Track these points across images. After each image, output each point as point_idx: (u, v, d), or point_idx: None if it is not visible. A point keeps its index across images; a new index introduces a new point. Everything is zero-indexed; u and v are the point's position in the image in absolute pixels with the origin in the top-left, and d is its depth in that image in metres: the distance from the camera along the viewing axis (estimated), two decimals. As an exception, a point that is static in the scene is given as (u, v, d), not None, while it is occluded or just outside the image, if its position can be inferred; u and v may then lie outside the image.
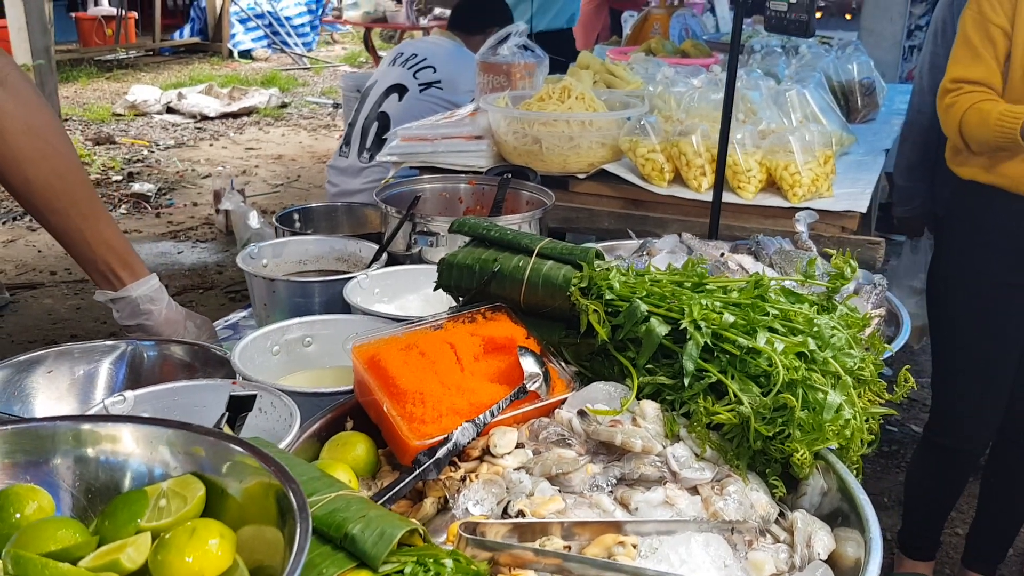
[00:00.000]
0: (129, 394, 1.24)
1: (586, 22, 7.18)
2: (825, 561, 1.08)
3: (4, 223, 6.25)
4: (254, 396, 1.11)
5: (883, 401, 1.30)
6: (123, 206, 6.74)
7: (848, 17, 7.38)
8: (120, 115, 9.35)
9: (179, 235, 6.25)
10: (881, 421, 1.33)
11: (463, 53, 4.24)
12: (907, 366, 1.35)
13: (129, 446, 0.86)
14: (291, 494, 0.76)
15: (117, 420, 0.88)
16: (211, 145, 8.59)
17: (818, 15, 4.74)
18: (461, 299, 1.48)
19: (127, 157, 7.95)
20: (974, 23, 2.50)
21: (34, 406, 1.37)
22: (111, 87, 10.72)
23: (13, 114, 1.49)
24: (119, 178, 7.33)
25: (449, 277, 1.47)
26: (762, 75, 3.40)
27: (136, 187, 7.09)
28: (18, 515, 0.82)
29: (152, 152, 8.20)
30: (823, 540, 1.10)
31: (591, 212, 2.84)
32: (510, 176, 2.09)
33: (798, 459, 1.13)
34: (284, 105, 10.18)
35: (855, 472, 1.20)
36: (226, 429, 1.10)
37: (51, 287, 5.29)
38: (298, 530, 0.72)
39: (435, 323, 1.37)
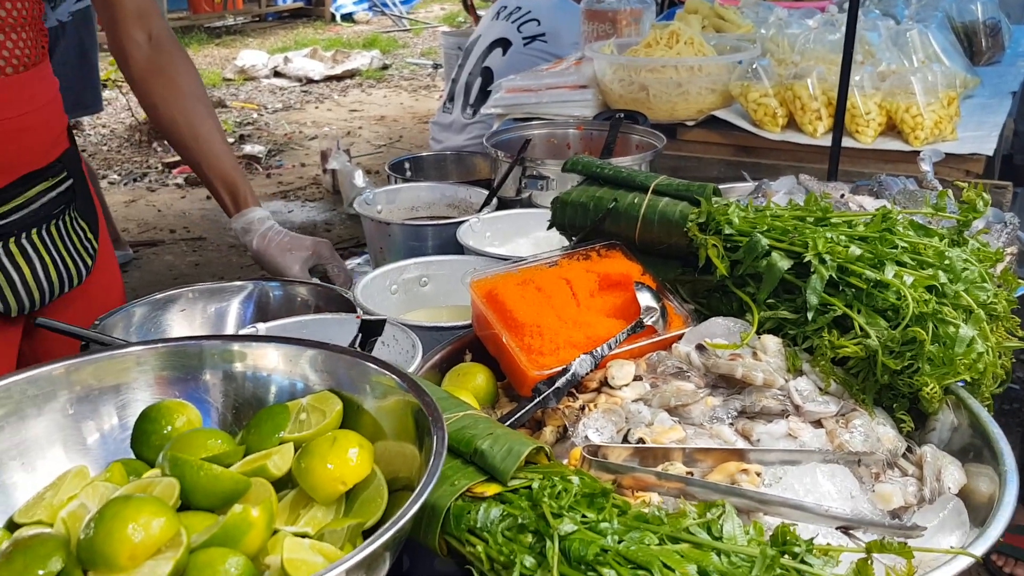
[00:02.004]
0: (261, 326, 1.29)
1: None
2: (956, 496, 1.05)
3: (126, 184, 6.56)
4: (383, 321, 1.15)
5: (1018, 337, 1.25)
6: (235, 167, 6.98)
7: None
8: (230, 80, 9.65)
9: (288, 195, 6.44)
10: (1014, 360, 1.28)
11: (567, 4, 4.19)
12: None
13: (272, 363, 0.90)
14: (426, 409, 0.79)
15: (261, 339, 0.93)
16: (316, 107, 8.78)
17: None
18: (575, 238, 1.48)
19: (238, 120, 8.21)
20: None
21: (172, 339, 1.45)
22: (220, 53, 11.06)
23: (148, 55, 1.77)
24: (231, 140, 7.59)
25: (563, 215, 1.47)
26: (880, 15, 3.25)
27: (247, 149, 7.33)
28: (169, 427, 0.88)
29: (261, 115, 8.45)
30: (954, 474, 1.07)
31: (700, 160, 2.79)
32: (622, 117, 2.07)
33: (927, 393, 1.10)
34: (385, 67, 10.30)
35: (990, 406, 1.16)
36: (359, 352, 1.14)
37: (171, 244, 5.54)
38: (435, 440, 0.75)
39: (550, 260, 1.38)
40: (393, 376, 0.85)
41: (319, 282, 1.63)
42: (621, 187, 1.46)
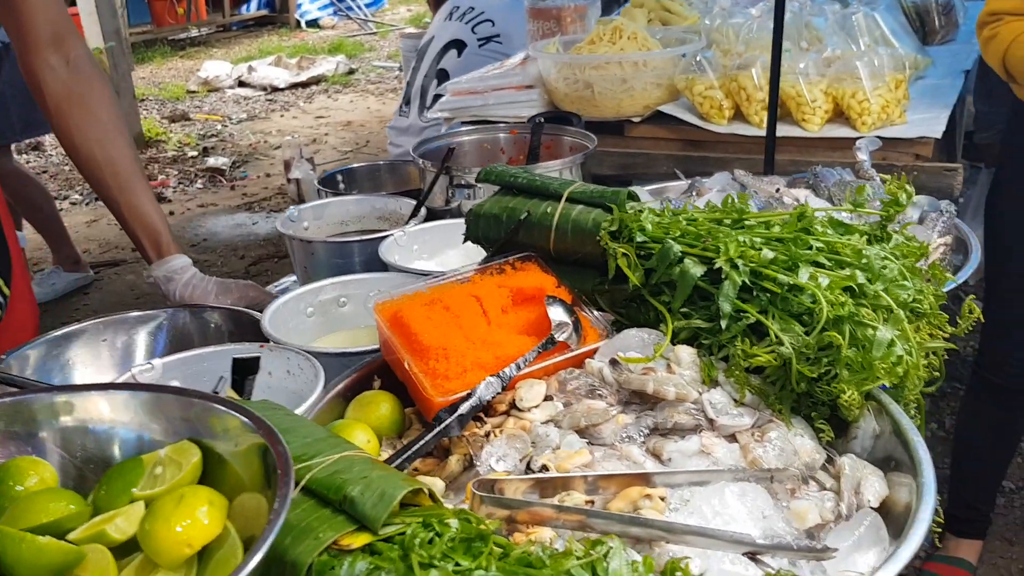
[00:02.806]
0: (157, 362, 1.23)
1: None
2: (877, 509, 1.00)
3: (87, 204, 6.47)
4: (258, 358, 1.09)
5: (946, 336, 1.20)
6: (199, 180, 6.89)
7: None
8: (194, 92, 9.54)
9: (253, 206, 6.36)
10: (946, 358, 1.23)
11: (521, 5, 4.13)
12: (972, 296, 1.24)
13: (106, 414, 0.84)
14: (273, 450, 0.73)
15: (87, 389, 0.87)
16: (282, 116, 8.69)
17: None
18: (489, 252, 1.42)
19: (202, 133, 8.11)
20: None
21: (73, 378, 1.39)
22: (184, 65, 10.94)
23: (65, 81, 1.64)
24: (195, 154, 7.49)
25: (477, 229, 1.42)
26: (829, 0, 3.20)
27: (211, 161, 7.24)
28: (19, 487, 0.81)
29: (226, 126, 8.35)
30: (874, 486, 1.02)
31: (648, 156, 2.73)
32: (543, 121, 2.01)
33: (846, 400, 1.05)
34: (352, 71, 10.21)
35: (913, 413, 1.11)
36: (230, 393, 1.08)
37: (133, 263, 5.46)
38: (279, 488, 0.69)
39: (462, 276, 1.32)
40: (238, 416, 0.79)
41: (231, 305, 1.56)
42: (536, 196, 1.40)
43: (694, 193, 1.82)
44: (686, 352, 1.16)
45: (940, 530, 0.98)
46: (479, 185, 1.85)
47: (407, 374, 1.18)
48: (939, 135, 2.42)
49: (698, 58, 2.69)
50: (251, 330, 1.51)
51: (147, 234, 1.69)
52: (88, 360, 1.42)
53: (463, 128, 2.31)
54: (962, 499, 2.66)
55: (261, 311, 1.59)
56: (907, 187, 1.27)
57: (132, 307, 1.52)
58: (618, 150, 2.75)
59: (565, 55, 2.81)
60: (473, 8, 4.18)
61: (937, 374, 1.21)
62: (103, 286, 5.22)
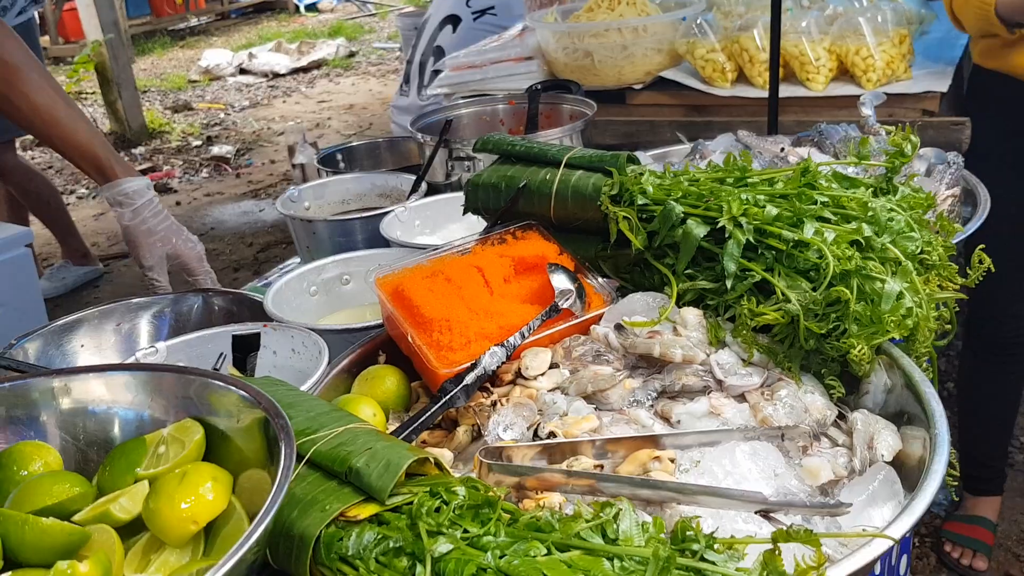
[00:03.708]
0: (161, 345, 1.23)
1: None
2: (891, 463, 0.99)
3: (94, 197, 6.47)
4: (258, 335, 1.08)
5: (956, 287, 1.18)
6: (204, 170, 6.88)
7: None
8: (195, 81, 9.51)
9: (259, 193, 6.35)
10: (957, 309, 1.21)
11: (515, -24, 4.10)
12: (982, 245, 1.22)
13: (106, 395, 0.83)
14: (274, 422, 0.72)
15: (85, 371, 0.86)
16: (284, 102, 8.66)
17: None
18: (489, 222, 1.41)
19: (205, 122, 8.10)
20: None
21: (77, 364, 1.38)
22: (185, 55, 10.91)
23: None
24: (199, 143, 7.48)
25: (476, 199, 1.40)
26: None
27: (215, 150, 7.22)
28: (24, 472, 0.81)
29: (229, 115, 8.33)
30: (887, 440, 1.00)
31: (652, 124, 2.70)
32: (539, 88, 1.98)
33: (856, 355, 1.03)
34: (352, 54, 10.16)
35: (925, 366, 1.10)
36: (231, 371, 1.07)
37: (142, 255, 5.46)
38: (282, 458, 0.68)
39: (462, 248, 1.30)
40: (237, 391, 0.78)
41: (232, 291, 1.56)
42: (534, 164, 1.38)
43: (697, 156, 1.80)
44: (692, 314, 1.15)
45: (956, 483, 0.96)
46: (479, 157, 1.83)
47: (411, 347, 1.17)
48: (944, 89, 2.38)
49: (699, 21, 2.65)
50: (256, 313, 1.50)
51: (86, 160, 1.65)
52: (93, 347, 1.42)
53: (461, 101, 2.28)
54: (973, 457, 2.64)
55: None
56: (912, 138, 1.25)
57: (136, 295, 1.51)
58: (621, 118, 2.72)
59: (563, 24, 2.78)
60: (468, -18, 4.14)
61: (949, 326, 1.19)
62: (113, 279, 5.23)
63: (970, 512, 2.69)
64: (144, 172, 6.68)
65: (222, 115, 8.31)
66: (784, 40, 2.52)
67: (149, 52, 11.09)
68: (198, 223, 5.88)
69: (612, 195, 1.26)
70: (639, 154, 1.91)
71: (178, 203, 6.24)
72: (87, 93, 8.66)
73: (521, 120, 2.16)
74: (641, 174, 1.27)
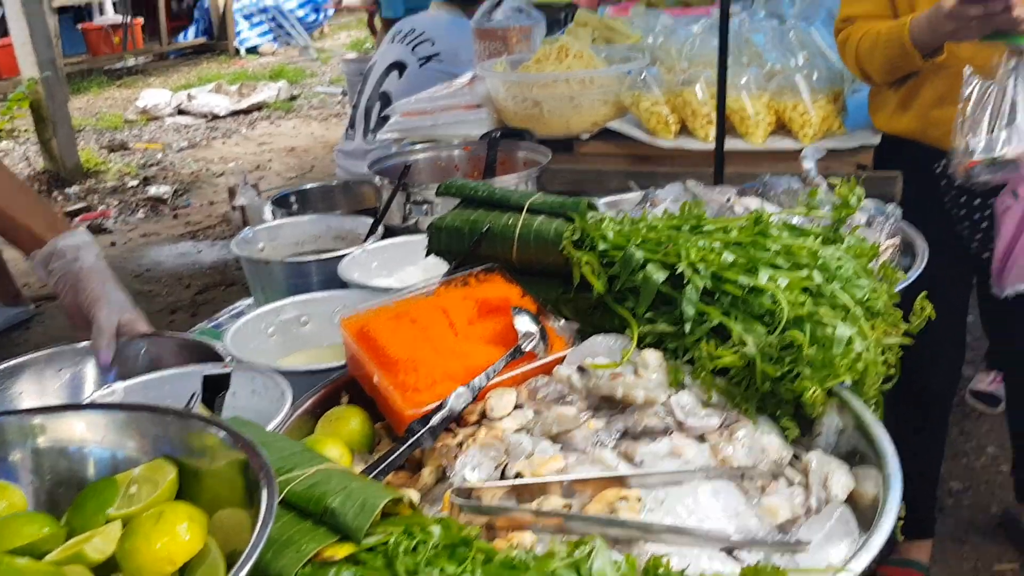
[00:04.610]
0: (118, 386, 1.21)
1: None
2: (845, 502, 1.03)
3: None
4: (228, 374, 1.08)
5: (901, 333, 1.24)
6: (141, 210, 6.77)
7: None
8: (132, 121, 9.38)
9: (198, 234, 6.27)
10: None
11: (462, 23, 4.17)
12: (924, 292, 1.28)
13: (82, 434, 0.82)
14: (253, 464, 0.72)
15: (64, 409, 0.85)
16: (223, 143, 8.59)
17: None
18: (452, 265, 1.43)
19: (142, 162, 7.98)
20: None
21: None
22: (122, 94, 10.76)
23: None
24: (135, 183, 7.36)
25: (439, 242, 1.42)
26: (767, 16, 3.29)
27: (152, 191, 7.11)
28: (-13, 513, 0.79)
29: (166, 155, 8.22)
30: (841, 480, 1.04)
31: (599, 172, 2.77)
32: (499, 135, 2.03)
33: (809, 398, 1.07)
34: (294, 97, 10.15)
35: (874, 408, 1.15)
36: (201, 410, 1.07)
37: (75, 296, 5.32)
38: (264, 499, 0.68)
39: (427, 290, 1.32)
40: (216, 431, 0.78)
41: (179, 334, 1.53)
42: (496, 208, 1.41)
43: (648, 204, 1.85)
44: (653, 356, 1.18)
45: (902, 521, 1.00)
46: (436, 201, 1.86)
47: (376, 388, 1.17)
48: (877, 142, 2.50)
49: (643, 75, 2.74)
50: (205, 355, 1.48)
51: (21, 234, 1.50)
52: (35, 393, 1.37)
53: (418, 147, 2.31)
54: (906, 502, 2.71)
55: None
56: (857, 190, 1.32)
57: (75, 340, 1.42)
58: (569, 167, 2.78)
59: (513, 74, 2.85)
60: (414, 30, 4.22)
61: (893, 371, 1.25)
62: (44, 320, 5.08)
63: (904, 556, 2.76)
64: (78, 212, 6.54)
65: (160, 155, 8.20)
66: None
67: (85, 91, 10.92)
68: (134, 264, 5.76)
69: (574, 240, 1.29)
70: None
71: (113, 244, 6.12)
72: (21, 131, 8.47)
73: (475, 166, 2.20)
74: (602, 220, 1.31)
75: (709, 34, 2.95)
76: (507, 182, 1.90)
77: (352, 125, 4.24)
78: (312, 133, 8.82)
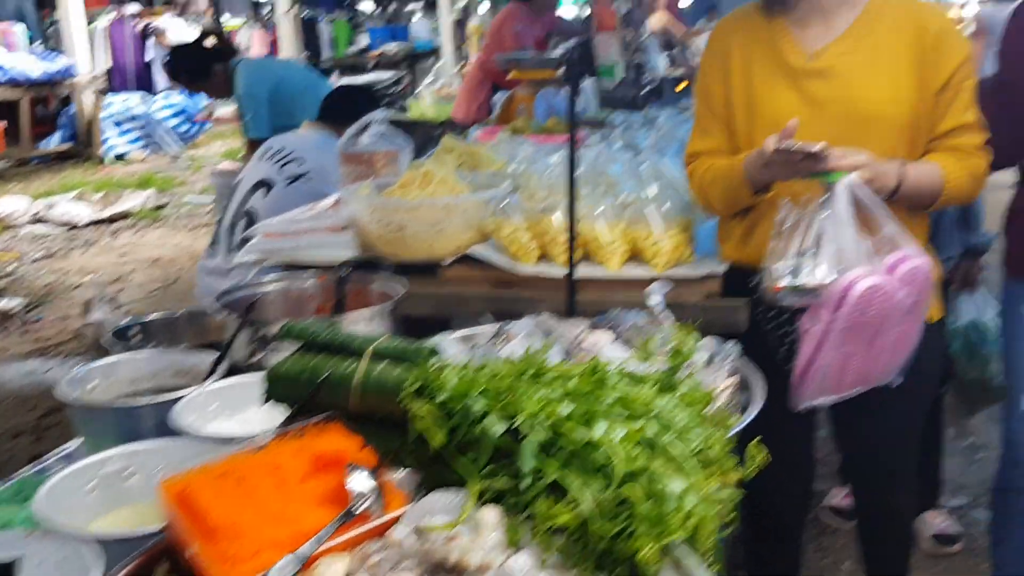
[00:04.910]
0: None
1: (467, 95, 7.27)
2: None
3: None
4: (15, 561, 0.98)
5: (736, 480, 1.25)
6: (-14, 325, 6.36)
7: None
8: (-15, 229, 8.92)
9: (48, 351, 5.91)
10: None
11: (332, 143, 4.19)
12: (759, 436, 1.31)
13: None
14: None
15: None
16: (83, 253, 8.24)
17: (683, 85, 4.89)
18: (288, 415, 1.37)
19: (-8, 273, 7.55)
20: (697, 92, 2.51)
21: None
22: (-24, 201, 10.24)
23: None
24: (-18, 295, 6.94)
25: (276, 390, 1.37)
26: (622, 148, 3.44)
27: (1, 303, 6.71)
28: None
29: (20, 265, 7.81)
30: (677, 644, 1.02)
31: (460, 297, 2.77)
32: (348, 273, 2.01)
33: (642, 557, 1.06)
34: (161, 206, 9.89)
35: (711, 561, 1.14)
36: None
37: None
38: None
39: (258, 444, 1.26)
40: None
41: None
42: (338, 353, 1.37)
43: (503, 338, 1.86)
44: (491, 514, 1.15)
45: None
46: (284, 338, 1.80)
47: (193, 558, 1.09)
48: (724, 271, 2.60)
49: (505, 202, 2.80)
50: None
51: None
52: None
53: (268, 277, 2.26)
54: None
55: None
56: (692, 335, 1.35)
57: None
58: (432, 291, 2.79)
59: (377, 198, 2.85)
60: (283, 148, 4.22)
61: (731, 518, 1.26)
62: None
63: None
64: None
65: (12, 266, 7.78)
66: (581, 224, 2.70)
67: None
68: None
69: (414, 390, 1.27)
70: (447, 335, 1.96)
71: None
72: None
73: (330, 297, 2.16)
74: (443, 368, 1.29)
75: (568, 164, 3.06)
76: (358, 319, 1.87)
77: (216, 242, 4.15)
78: (179, 244, 8.58)
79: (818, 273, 1.97)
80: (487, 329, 1.95)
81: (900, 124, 2.24)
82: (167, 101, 13.12)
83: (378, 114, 3.36)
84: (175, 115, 13.10)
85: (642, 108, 2.07)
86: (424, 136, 10.47)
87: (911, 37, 2.25)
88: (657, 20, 6.51)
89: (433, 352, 1.35)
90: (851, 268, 1.96)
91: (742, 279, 2.51)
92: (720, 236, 2.61)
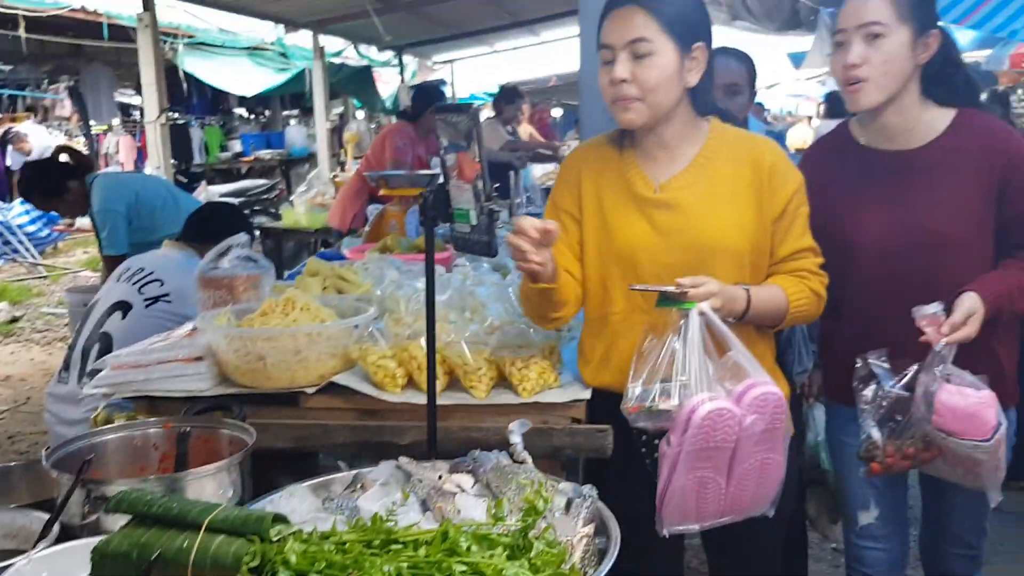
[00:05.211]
0: None
1: (345, 202, 7.28)
2: None
3: None
4: None
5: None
6: None
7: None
8: None
9: None
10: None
11: (194, 263, 4.09)
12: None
13: None
14: None
15: None
16: (-77, 373, 7.66)
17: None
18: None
19: None
20: (548, 212, 2.60)
21: None
22: None
23: None
24: None
25: (103, 570, 1.27)
26: (490, 270, 3.48)
27: None
28: None
29: None
30: None
31: (325, 428, 2.69)
32: (188, 431, 1.91)
33: None
34: (15, 319, 9.35)
35: None
36: None
37: None
38: None
39: (79, 635, 1.16)
40: None
41: None
42: (173, 526, 1.29)
43: (359, 486, 1.80)
44: None
45: None
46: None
47: None
48: (588, 397, 2.63)
49: (371, 328, 2.76)
50: None
51: None
52: None
53: (108, 427, 2.13)
54: None
55: None
56: (543, 494, 1.34)
57: None
58: (294, 422, 2.70)
59: (235, 328, 2.77)
60: (143, 268, 4.09)
61: None
62: None
63: None
64: None
65: None
66: (448, 350, 2.70)
67: None
68: None
69: (252, 567, 1.20)
70: (298, 484, 1.88)
71: None
72: None
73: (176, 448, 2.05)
74: (285, 541, 1.23)
75: (435, 286, 3.06)
76: (203, 474, 1.77)
77: (67, 367, 3.93)
78: (32, 359, 8.09)
79: (670, 397, 2.02)
80: (343, 476, 1.89)
81: (742, 251, 2.37)
82: (26, 207, 12.58)
83: (241, 237, 3.29)
84: (33, 221, 12.54)
85: (494, 255, 2.09)
86: (298, 244, 10.39)
87: (748, 170, 2.40)
88: (523, 131, 6.77)
89: (277, 519, 1.29)
90: (698, 392, 2.02)
91: (607, 402, 2.55)
92: (580, 361, 2.66)
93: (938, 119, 2.58)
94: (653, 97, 2.28)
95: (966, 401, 2.33)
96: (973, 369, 2.47)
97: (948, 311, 2.38)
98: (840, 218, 2.59)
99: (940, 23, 2.56)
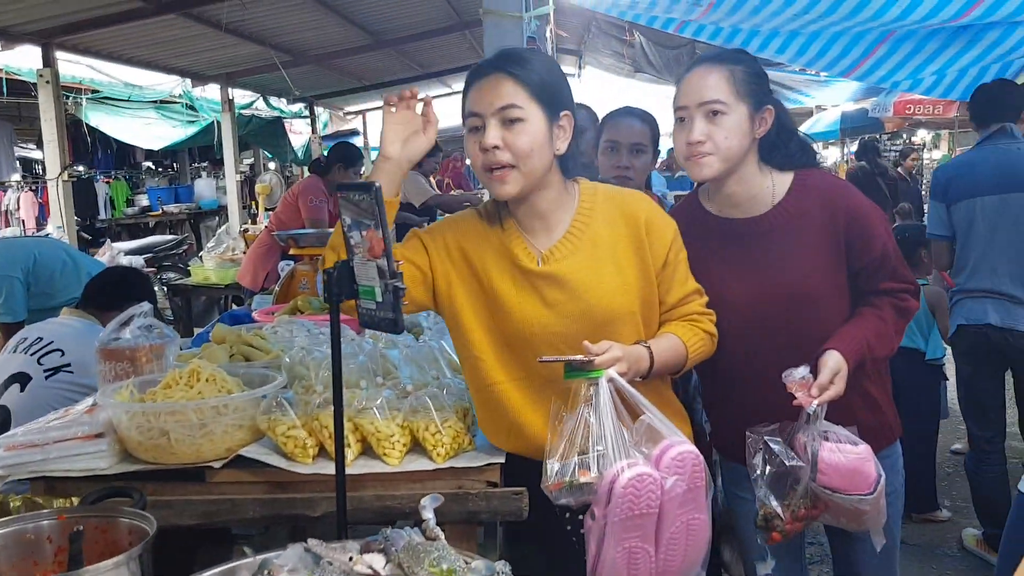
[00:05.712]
0: None
1: (256, 260, 7.14)
2: None
3: None
4: None
5: None
6: None
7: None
8: None
9: None
10: None
11: (96, 331, 3.95)
12: None
13: None
14: None
15: None
16: None
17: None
18: None
19: None
20: (406, 264, 2.55)
21: None
22: None
23: None
24: None
25: None
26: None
27: None
28: None
29: None
30: None
31: (233, 503, 2.61)
32: (81, 530, 1.81)
33: None
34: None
35: None
36: None
37: None
38: None
39: None
40: None
41: None
42: (62, 638, 1.23)
43: (266, 573, 1.74)
44: None
45: None
46: (9, 601, 1.60)
47: None
48: (503, 460, 2.62)
49: (279, 398, 2.70)
50: None
51: None
52: None
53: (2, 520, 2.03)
54: None
55: None
56: (459, 562, 1.32)
57: None
58: (200, 497, 2.62)
59: (136, 404, 2.68)
60: (41, 339, 3.93)
61: None
62: None
63: None
64: None
65: None
66: (360, 418, 2.66)
67: None
68: None
69: None
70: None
71: None
72: None
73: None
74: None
75: (346, 353, 3.02)
76: (100, 571, 1.69)
77: (-42, 445, 3.72)
78: (-77, 432, 7.63)
79: (589, 470, 2.03)
80: (250, 562, 1.83)
81: (634, 311, 2.42)
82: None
83: (143, 306, 3.19)
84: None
85: (400, 332, 2.08)
86: (208, 300, 10.09)
87: (624, 228, 2.45)
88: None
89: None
90: (616, 462, 2.02)
91: (521, 467, 2.54)
92: (487, 432, 2.65)
93: (779, 184, 2.69)
94: (526, 164, 2.30)
95: (847, 458, 2.41)
96: (852, 413, 2.59)
97: (815, 372, 2.47)
98: (708, 275, 2.65)
99: (773, 99, 2.68)
